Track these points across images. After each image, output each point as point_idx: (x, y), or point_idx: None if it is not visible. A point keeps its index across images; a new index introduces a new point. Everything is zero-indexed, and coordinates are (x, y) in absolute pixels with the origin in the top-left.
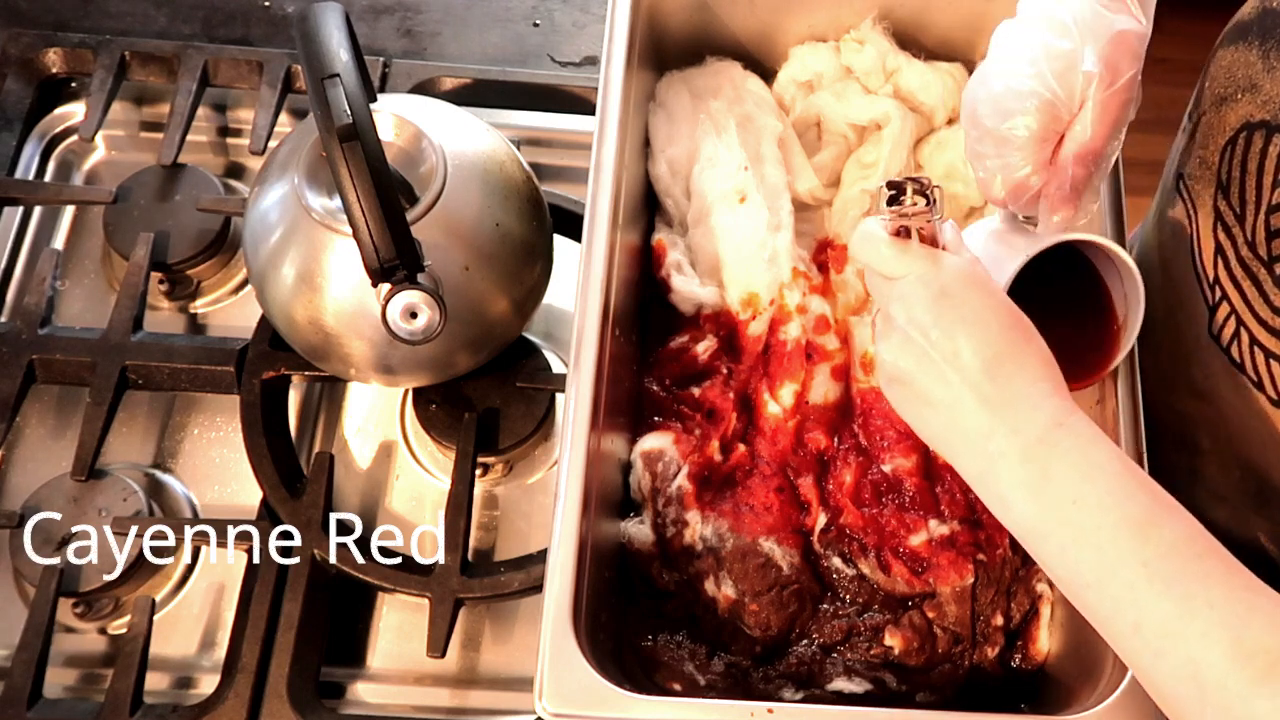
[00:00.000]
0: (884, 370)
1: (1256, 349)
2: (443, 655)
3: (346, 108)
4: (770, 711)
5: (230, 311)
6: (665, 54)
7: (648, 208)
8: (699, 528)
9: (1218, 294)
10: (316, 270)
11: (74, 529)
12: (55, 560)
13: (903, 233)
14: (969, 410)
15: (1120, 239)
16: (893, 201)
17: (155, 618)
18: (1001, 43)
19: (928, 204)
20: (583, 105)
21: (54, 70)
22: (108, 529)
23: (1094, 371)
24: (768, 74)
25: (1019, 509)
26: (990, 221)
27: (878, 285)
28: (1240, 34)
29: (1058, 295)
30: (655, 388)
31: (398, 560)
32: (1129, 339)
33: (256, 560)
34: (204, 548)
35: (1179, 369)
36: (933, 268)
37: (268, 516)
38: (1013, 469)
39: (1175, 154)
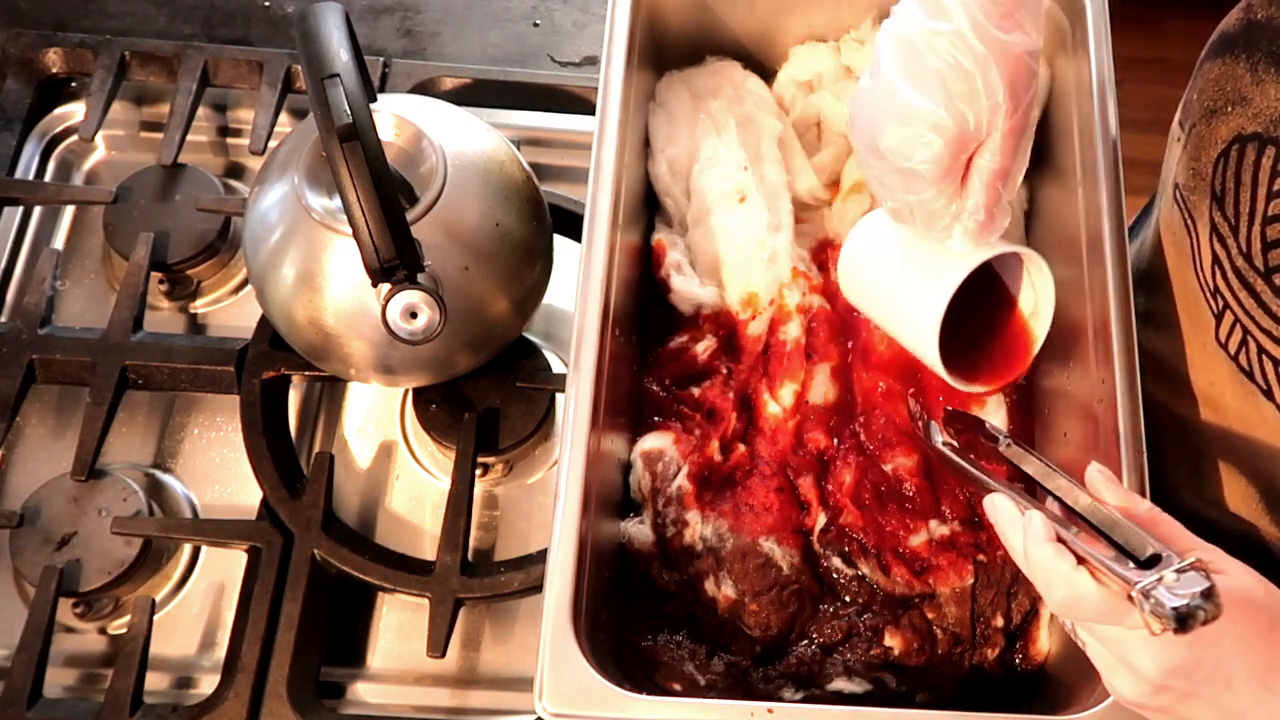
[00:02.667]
0: None
1: (1265, 358)
2: (443, 655)
3: (346, 108)
4: (770, 711)
5: (230, 311)
6: (665, 54)
7: (648, 208)
8: (699, 528)
9: (1220, 303)
10: (316, 270)
11: (74, 529)
12: (55, 560)
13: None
14: None
15: (1120, 237)
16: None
17: (155, 618)
18: (891, 54)
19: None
20: (583, 105)
21: (54, 70)
22: (108, 529)
23: (1012, 368)
24: (768, 74)
25: None
26: (887, 227)
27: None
28: (1226, 46)
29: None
30: (655, 388)
31: (398, 560)
32: (1043, 328)
33: (257, 560)
34: (204, 548)
35: (1183, 375)
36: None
37: (268, 516)
38: None
39: (1170, 163)
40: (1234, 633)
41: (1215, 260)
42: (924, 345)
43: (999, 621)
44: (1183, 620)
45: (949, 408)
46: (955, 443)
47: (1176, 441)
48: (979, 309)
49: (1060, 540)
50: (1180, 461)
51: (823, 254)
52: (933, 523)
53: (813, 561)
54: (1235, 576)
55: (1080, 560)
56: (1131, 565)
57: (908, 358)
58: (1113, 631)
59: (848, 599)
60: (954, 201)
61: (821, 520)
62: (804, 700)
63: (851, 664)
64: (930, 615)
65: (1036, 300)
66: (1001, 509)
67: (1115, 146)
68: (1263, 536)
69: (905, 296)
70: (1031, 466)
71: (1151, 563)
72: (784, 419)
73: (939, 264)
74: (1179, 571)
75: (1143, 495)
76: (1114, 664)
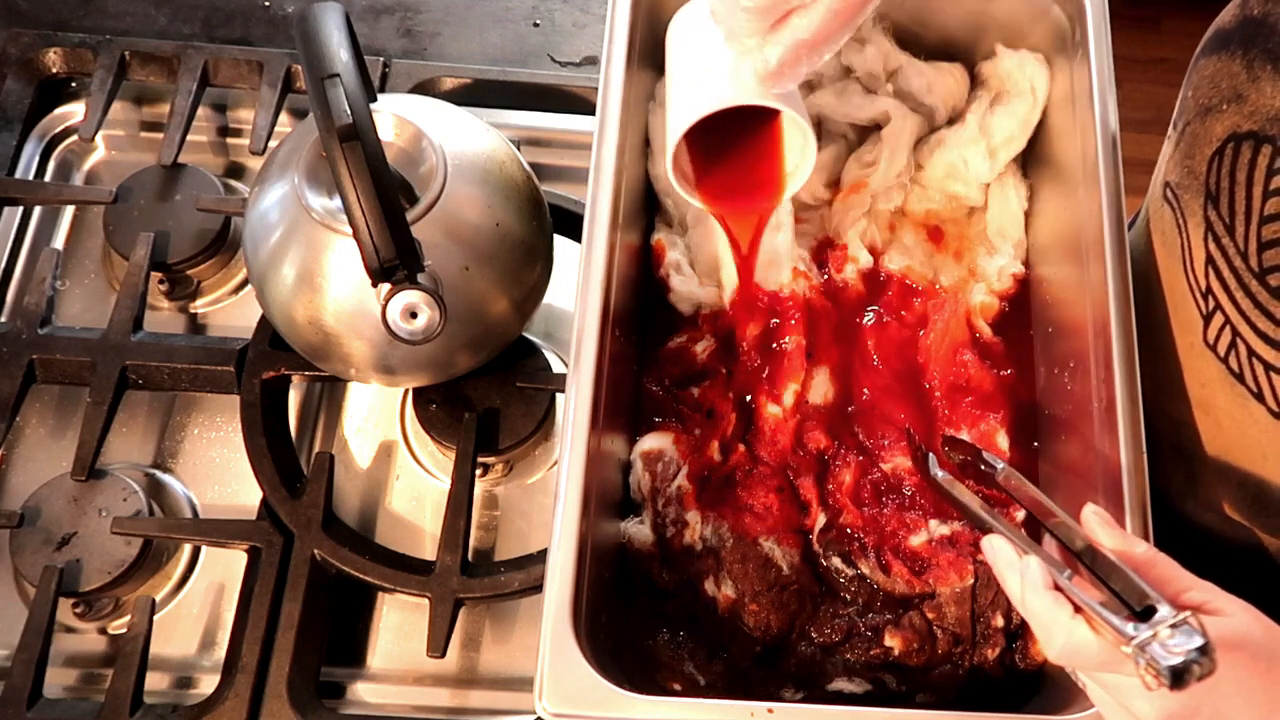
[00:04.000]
0: None
1: (1255, 360)
2: (443, 655)
3: (346, 108)
4: (770, 711)
5: (230, 311)
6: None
7: (648, 208)
8: (699, 528)
9: (1211, 303)
10: (316, 270)
11: (74, 529)
12: (55, 560)
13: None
14: None
15: (1120, 237)
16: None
17: (155, 618)
18: None
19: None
20: (583, 105)
21: (54, 70)
22: (108, 529)
23: (750, 202)
24: None
25: None
26: (709, 25)
27: None
28: (1221, 43)
29: (733, 125)
30: (655, 388)
31: (398, 560)
32: (793, 188)
33: (257, 560)
34: (204, 548)
35: (1174, 376)
36: None
37: (268, 516)
38: None
39: (1162, 162)
40: (1233, 676)
41: (1209, 260)
42: (670, 135)
43: (999, 621)
44: (1178, 677)
45: (947, 434)
46: (954, 464)
47: (1173, 444)
48: (750, 139)
49: (1058, 587)
50: (1177, 464)
51: (823, 254)
52: (933, 522)
53: (812, 561)
54: (1233, 617)
55: (1077, 609)
56: (1128, 613)
57: (909, 357)
58: (1111, 678)
59: (848, 599)
60: (756, 38)
61: (821, 520)
62: (804, 700)
63: (851, 664)
64: (930, 615)
65: (799, 165)
66: (1000, 552)
67: (1115, 146)
68: (1258, 541)
69: (683, 83)
70: (1028, 499)
71: (1148, 614)
72: (784, 419)
73: (723, 77)
74: (1174, 626)
75: (1144, 495)
76: (1114, 708)
